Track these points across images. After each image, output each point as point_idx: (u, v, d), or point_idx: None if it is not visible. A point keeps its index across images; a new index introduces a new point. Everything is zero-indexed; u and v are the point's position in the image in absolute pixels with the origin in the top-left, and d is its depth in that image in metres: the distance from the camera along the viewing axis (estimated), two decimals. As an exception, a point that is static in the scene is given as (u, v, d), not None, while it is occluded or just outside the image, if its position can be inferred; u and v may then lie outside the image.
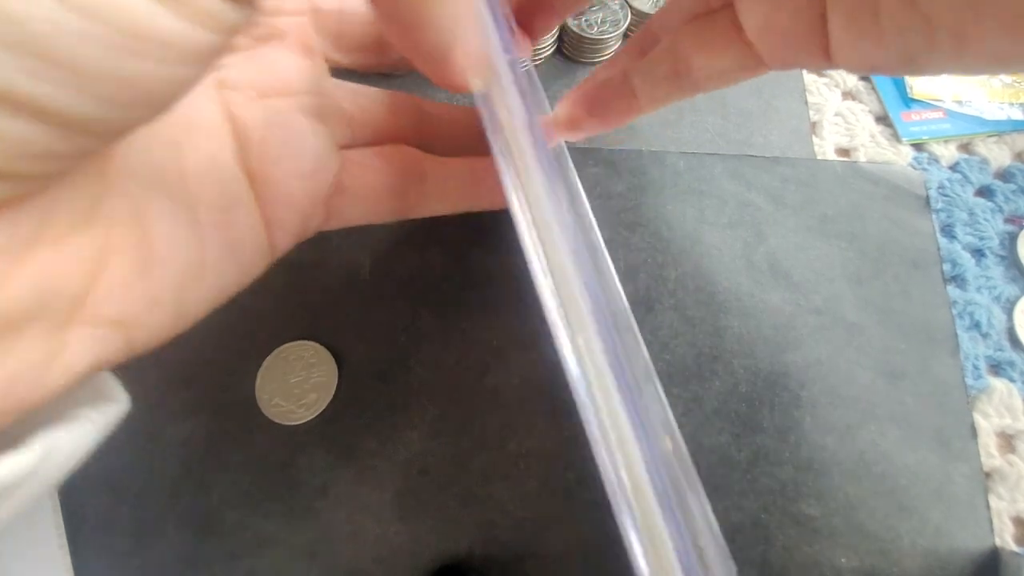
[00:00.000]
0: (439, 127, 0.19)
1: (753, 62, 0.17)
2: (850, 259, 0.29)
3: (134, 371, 0.26)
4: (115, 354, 0.12)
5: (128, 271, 0.12)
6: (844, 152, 0.32)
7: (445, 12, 0.11)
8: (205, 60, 0.10)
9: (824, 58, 0.16)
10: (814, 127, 0.33)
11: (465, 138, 0.19)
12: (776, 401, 0.26)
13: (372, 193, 0.17)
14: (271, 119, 0.15)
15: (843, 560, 0.23)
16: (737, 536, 0.24)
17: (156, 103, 0.10)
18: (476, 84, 0.14)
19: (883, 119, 0.33)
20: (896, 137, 0.32)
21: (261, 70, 0.15)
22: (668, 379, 0.26)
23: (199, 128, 0.13)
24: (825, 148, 0.32)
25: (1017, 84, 0.33)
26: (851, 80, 0.34)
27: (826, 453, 0.25)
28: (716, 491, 0.24)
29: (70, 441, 0.12)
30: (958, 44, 0.14)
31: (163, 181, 0.12)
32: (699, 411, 0.26)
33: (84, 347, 0.11)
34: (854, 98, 0.34)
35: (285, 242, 0.16)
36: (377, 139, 0.18)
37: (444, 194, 0.18)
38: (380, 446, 0.25)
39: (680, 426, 0.25)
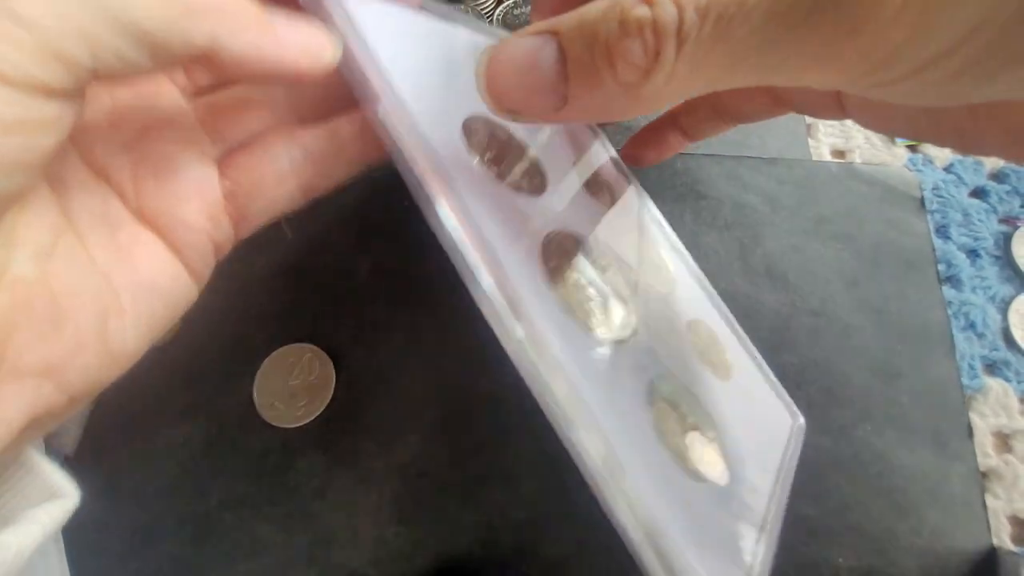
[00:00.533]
0: (302, 98, 0.19)
1: (780, 108, 0.22)
2: (846, 260, 0.29)
3: (133, 373, 0.26)
4: (51, 402, 0.13)
5: (40, 325, 0.12)
6: (840, 154, 0.32)
7: (258, 45, 0.14)
8: (49, 132, 0.11)
9: (843, 115, 0.20)
10: (810, 129, 0.33)
11: (335, 95, 0.19)
12: (773, 402, 0.26)
13: (263, 188, 0.17)
14: (136, 161, 0.16)
15: (840, 560, 0.24)
16: (735, 537, 0.24)
17: (17, 170, 0.11)
18: (327, 57, 0.15)
19: (878, 121, 0.33)
20: (891, 139, 0.32)
21: (109, 130, 0.16)
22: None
23: (74, 188, 0.14)
24: (821, 150, 0.32)
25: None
26: (846, 82, 0.34)
27: (822, 453, 0.25)
28: (714, 492, 0.24)
29: (17, 542, 0.12)
30: (962, 142, 0.16)
31: (58, 243, 0.13)
32: (696, 412, 0.26)
33: (16, 400, 0.12)
34: (849, 100, 0.34)
35: (205, 264, 0.16)
36: (251, 129, 0.18)
37: (335, 161, 0.18)
38: (378, 448, 0.25)
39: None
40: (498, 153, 0.19)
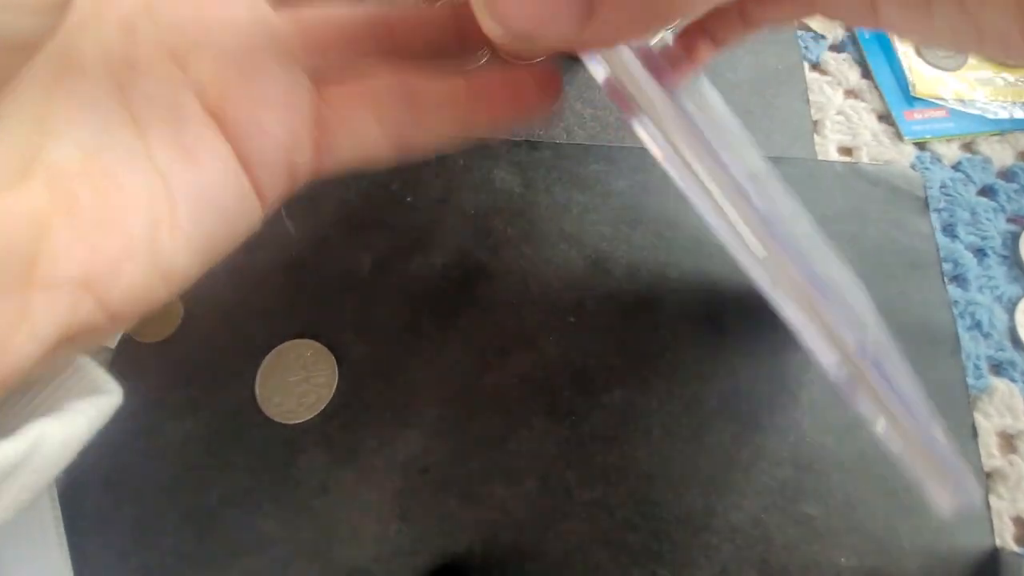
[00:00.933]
0: (412, 34, 0.17)
1: (809, 9, 0.19)
2: (849, 259, 0.29)
3: (135, 369, 0.26)
4: (88, 317, 0.11)
5: (81, 226, 0.11)
6: (846, 151, 0.32)
7: None
8: None
9: (874, 23, 0.17)
10: (816, 126, 0.32)
11: (441, 41, 0.18)
12: (776, 400, 0.26)
13: (358, 121, 0.16)
14: (219, 54, 0.14)
15: (843, 560, 0.23)
16: (737, 536, 0.24)
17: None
18: None
19: (886, 117, 0.33)
20: (898, 136, 0.32)
21: (195, 14, 0.14)
22: (669, 378, 0.26)
23: (143, 72, 0.13)
24: (827, 147, 0.32)
25: (1020, 83, 0.33)
26: (853, 78, 0.34)
27: (826, 453, 0.25)
28: (716, 490, 0.24)
29: (61, 431, 0.11)
30: (1004, 48, 0.15)
31: (110, 130, 0.12)
32: (700, 410, 0.26)
33: (49, 310, 0.11)
34: (856, 96, 0.33)
35: (275, 188, 0.14)
36: (347, 58, 0.16)
37: (440, 119, 0.17)
38: (380, 445, 0.25)
39: (681, 424, 0.26)
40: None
